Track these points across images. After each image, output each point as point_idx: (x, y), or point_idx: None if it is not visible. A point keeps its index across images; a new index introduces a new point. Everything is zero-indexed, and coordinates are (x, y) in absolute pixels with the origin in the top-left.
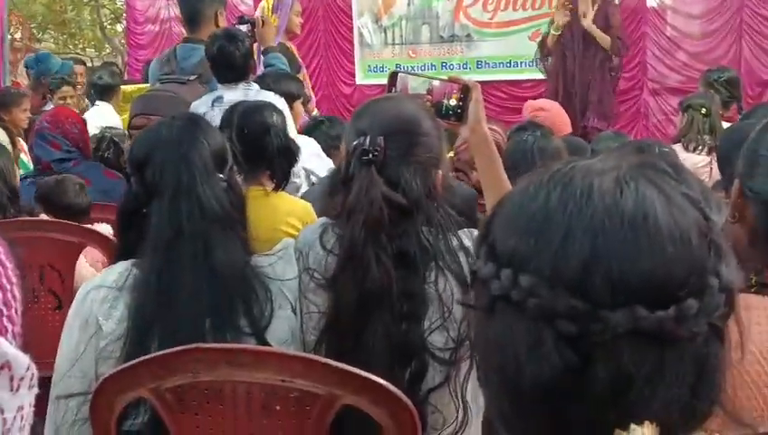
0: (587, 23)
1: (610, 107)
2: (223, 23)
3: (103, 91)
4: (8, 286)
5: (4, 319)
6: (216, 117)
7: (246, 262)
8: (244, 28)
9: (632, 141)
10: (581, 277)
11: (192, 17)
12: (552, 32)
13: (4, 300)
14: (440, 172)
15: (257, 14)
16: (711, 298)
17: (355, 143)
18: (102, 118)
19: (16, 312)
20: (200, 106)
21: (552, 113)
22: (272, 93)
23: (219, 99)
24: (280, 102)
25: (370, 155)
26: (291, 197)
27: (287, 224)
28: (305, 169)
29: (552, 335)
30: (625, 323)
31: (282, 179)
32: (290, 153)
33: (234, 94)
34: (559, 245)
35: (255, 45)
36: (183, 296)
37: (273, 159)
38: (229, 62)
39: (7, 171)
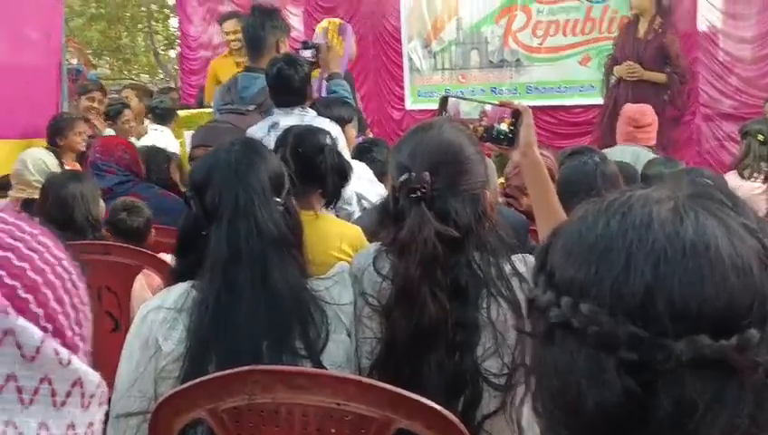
0: (631, 72)
1: (666, 135)
2: (285, 51)
3: (163, 116)
4: (81, 307)
5: (77, 338)
6: (271, 143)
7: (303, 285)
8: (308, 53)
9: (684, 169)
10: (644, 305)
11: (254, 45)
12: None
13: (77, 320)
14: (488, 193)
15: (319, 38)
16: None
17: (402, 180)
18: (162, 142)
19: (87, 331)
20: (257, 132)
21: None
22: (327, 120)
23: (275, 125)
24: (335, 129)
25: (419, 193)
26: (341, 221)
27: (339, 249)
28: (357, 194)
29: (613, 363)
30: (688, 352)
31: (333, 196)
32: (343, 171)
33: (289, 119)
34: (620, 272)
35: (319, 71)
36: (240, 318)
37: (325, 177)
38: (287, 87)
39: (91, 198)
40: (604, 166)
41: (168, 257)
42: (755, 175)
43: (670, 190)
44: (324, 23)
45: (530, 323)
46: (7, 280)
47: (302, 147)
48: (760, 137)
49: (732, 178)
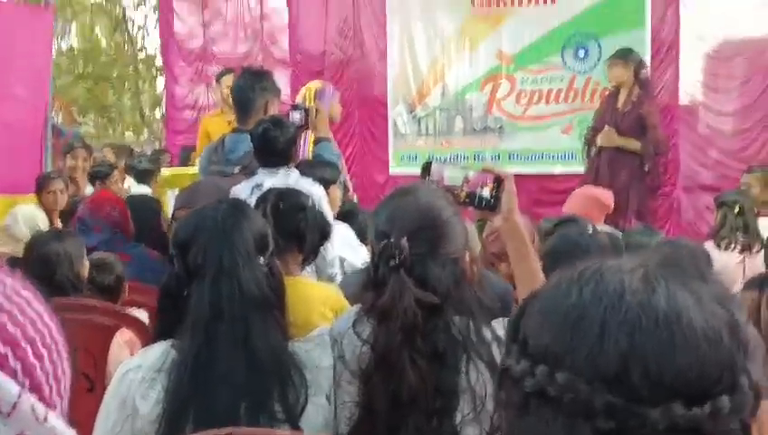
0: (608, 140)
1: (645, 204)
2: (274, 112)
3: (143, 176)
4: (59, 362)
5: (54, 394)
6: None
7: (284, 347)
8: (297, 115)
9: (663, 241)
10: (619, 374)
11: (242, 106)
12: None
13: (55, 375)
14: (467, 256)
15: (298, 101)
16: (742, 395)
17: (381, 246)
18: None
19: (65, 387)
20: (240, 193)
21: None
22: (310, 180)
23: (259, 186)
24: (319, 190)
25: (397, 259)
26: (321, 284)
27: (318, 312)
28: (339, 258)
29: (590, 431)
30: (663, 420)
31: (310, 253)
32: (323, 231)
33: (273, 180)
34: (595, 341)
35: (307, 133)
36: (219, 379)
37: (304, 235)
38: (272, 147)
39: (75, 257)
40: (594, 237)
41: (144, 315)
42: (732, 246)
43: (641, 260)
44: (304, 89)
45: (503, 393)
46: None
47: (283, 204)
48: (737, 208)
49: (708, 250)
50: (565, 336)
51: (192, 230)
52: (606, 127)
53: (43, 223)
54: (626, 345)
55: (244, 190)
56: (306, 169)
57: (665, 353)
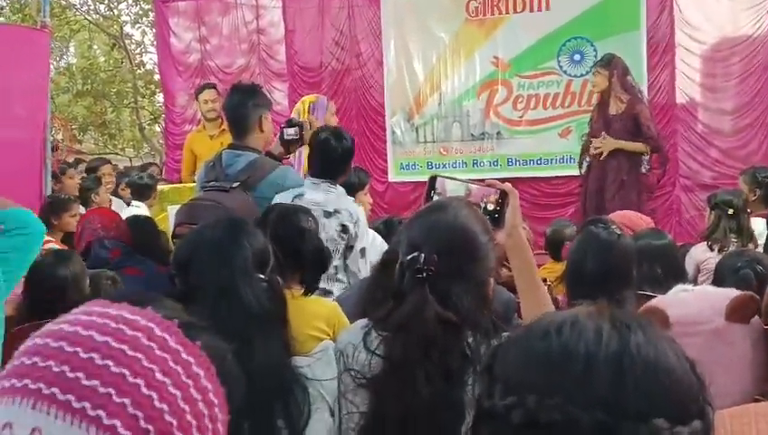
0: (608, 144)
1: (643, 205)
2: (268, 126)
3: (140, 192)
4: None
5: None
6: None
7: (286, 362)
8: (292, 131)
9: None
10: (607, 396)
11: (237, 123)
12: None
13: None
14: (492, 281)
15: (294, 115)
16: (709, 421)
17: (410, 258)
18: None
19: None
20: (282, 199)
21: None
22: (351, 200)
23: (300, 196)
24: (358, 209)
25: (425, 273)
26: (317, 299)
27: (312, 326)
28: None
29: None
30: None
31: (312, 284)
32: (322, 259)
33: (315, 194)
34: (583, 371)
35: (302, 148)
36: None
37: (304, 264)
38: (327, 157)
39: (81, 278)
40: (622, 239)
41: None
42: (726, 248)
43: (602, 309)
44: (299, 103)
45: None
46: (142, 423)
47: (282, 230)
48: (730, 211)
49: (701, 250)
50: (552, 370)
51: (191, 249)
52: (603, 134)
53: None
54: (612, 373)
55: (285, 198)
56: None
57: (648, 377)
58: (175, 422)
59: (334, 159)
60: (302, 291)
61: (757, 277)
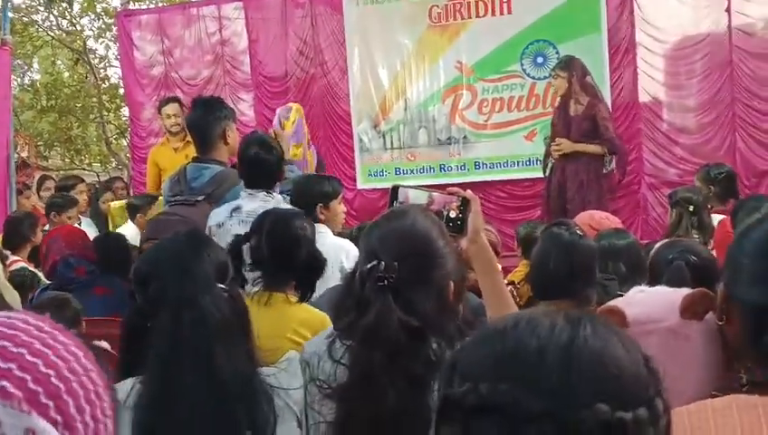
0: (566, 146)
1: (605, 206)
2: (233, 137)
3: (134, 211)
4: (102, 418)
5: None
6: (233, 226)
7: (251, 372)
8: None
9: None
10: (555, 384)
11: (201, 137)
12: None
13: (95, 431)
14: (452, 283)
15: (271, 131)
16: (657, 411)
17: (369, 266)
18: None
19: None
20: (219, 215)
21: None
22: (289, 205)
23: (237, 209)
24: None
25: (386, 281)
26: (308, 307)
27: (296, 332)
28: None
29: (535, 433)
30: (593, 419)
31: (306, 292)
32: (317, 266)
33: (252, 204)
34: (535, 360)
35: (308, 150)
36: (185, 409)
37: (299, 271)
38: (259, 168)
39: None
40: (583, 240)
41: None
42: None
43: (561, 308)
44: (294, 112)
45: (447, 424)
46: (31, 385)
47: (277, 236)
48: (691, 207)
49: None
50: (506, 360)
51: (151, 263)
52: (557, 139)
53: None
54: (560, 360)
55: (221, 213)
56: (305, 183)
57: (593, 365)
58: (62, 386)
59: (267, 170)
60: (298, 297)
61: (693, 268)
